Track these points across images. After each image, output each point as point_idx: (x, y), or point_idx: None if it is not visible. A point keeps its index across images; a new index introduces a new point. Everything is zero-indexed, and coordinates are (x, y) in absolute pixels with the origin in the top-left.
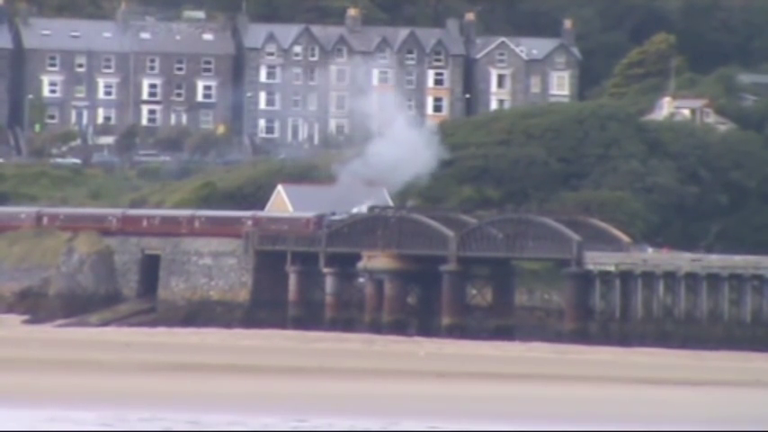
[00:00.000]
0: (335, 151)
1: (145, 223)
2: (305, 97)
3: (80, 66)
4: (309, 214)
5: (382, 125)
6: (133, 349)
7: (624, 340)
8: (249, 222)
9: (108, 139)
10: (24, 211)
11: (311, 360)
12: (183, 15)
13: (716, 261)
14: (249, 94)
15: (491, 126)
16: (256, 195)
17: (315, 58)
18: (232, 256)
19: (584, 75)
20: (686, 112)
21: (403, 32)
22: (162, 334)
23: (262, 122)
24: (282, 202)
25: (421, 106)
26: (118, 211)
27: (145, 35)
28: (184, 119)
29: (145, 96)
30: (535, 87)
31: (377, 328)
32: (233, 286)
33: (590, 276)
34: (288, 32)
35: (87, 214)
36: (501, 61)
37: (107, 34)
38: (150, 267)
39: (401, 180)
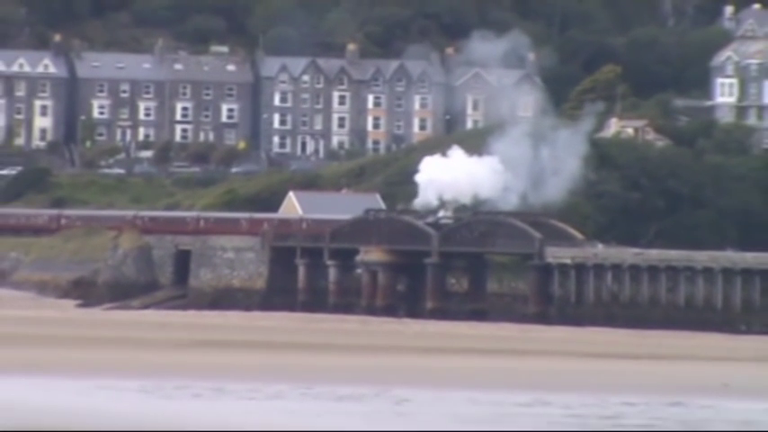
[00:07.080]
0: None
1: (265, 225)
2: (312, 118)
3: (124, 92)
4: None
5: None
6: (168, 329)
7: (578, 321)
8: None
9: (147, 153)
10: (188, 215)
11: (317, 338)
12: (210, 50)
13: (655, 255)
14: (265, 116)
15: (467, 143)
16: (271, 200)
17: (320, 86)
18: (251, 250)
19: (545, 99)
20: (630, 130)
21: (394, 64)
22: (192, 316)
23: (276, 139)
24: (293, 206)
25: (408, 126)
26: (258, 216)
27: (178, 66)
28: (211, 136)
29: (178, 117)
30: (504, 110)
31: (372, 311)
32: (252, 276)
33: (550, 268)
34: (297, 64)
35: (237, 218)
36: (476, 88)
37: (146, 65)
38: (183, 260)
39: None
